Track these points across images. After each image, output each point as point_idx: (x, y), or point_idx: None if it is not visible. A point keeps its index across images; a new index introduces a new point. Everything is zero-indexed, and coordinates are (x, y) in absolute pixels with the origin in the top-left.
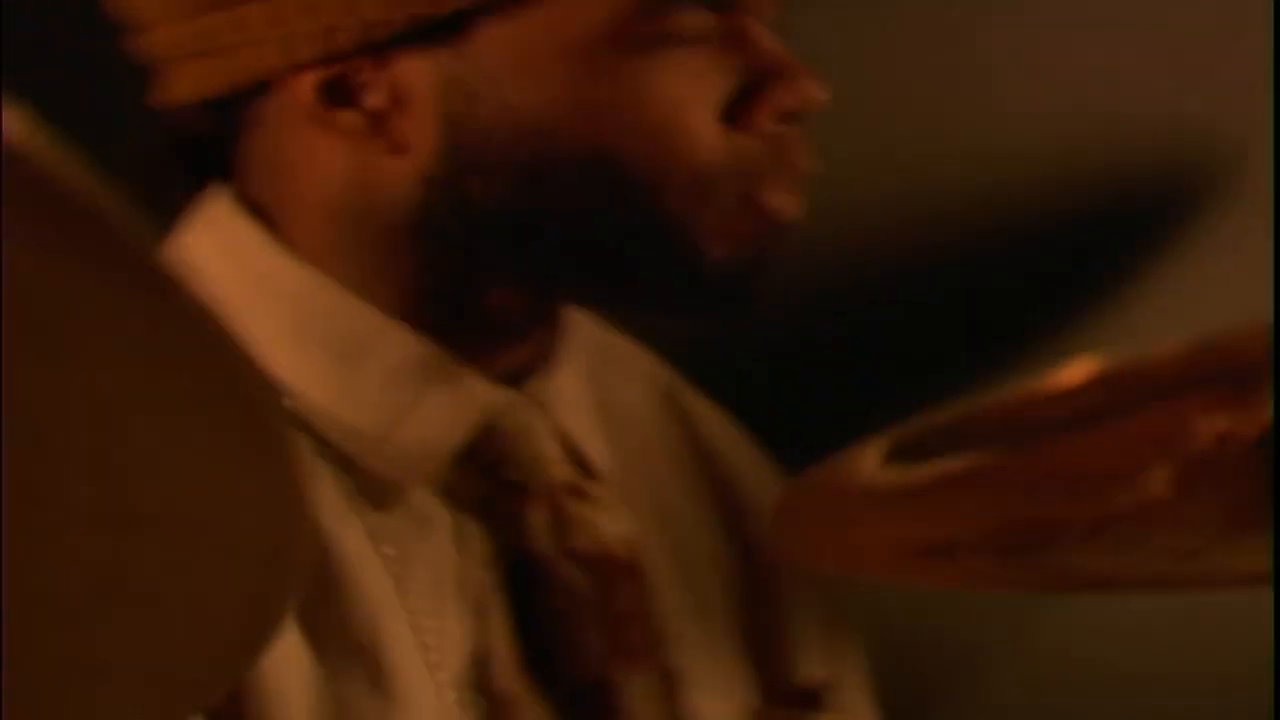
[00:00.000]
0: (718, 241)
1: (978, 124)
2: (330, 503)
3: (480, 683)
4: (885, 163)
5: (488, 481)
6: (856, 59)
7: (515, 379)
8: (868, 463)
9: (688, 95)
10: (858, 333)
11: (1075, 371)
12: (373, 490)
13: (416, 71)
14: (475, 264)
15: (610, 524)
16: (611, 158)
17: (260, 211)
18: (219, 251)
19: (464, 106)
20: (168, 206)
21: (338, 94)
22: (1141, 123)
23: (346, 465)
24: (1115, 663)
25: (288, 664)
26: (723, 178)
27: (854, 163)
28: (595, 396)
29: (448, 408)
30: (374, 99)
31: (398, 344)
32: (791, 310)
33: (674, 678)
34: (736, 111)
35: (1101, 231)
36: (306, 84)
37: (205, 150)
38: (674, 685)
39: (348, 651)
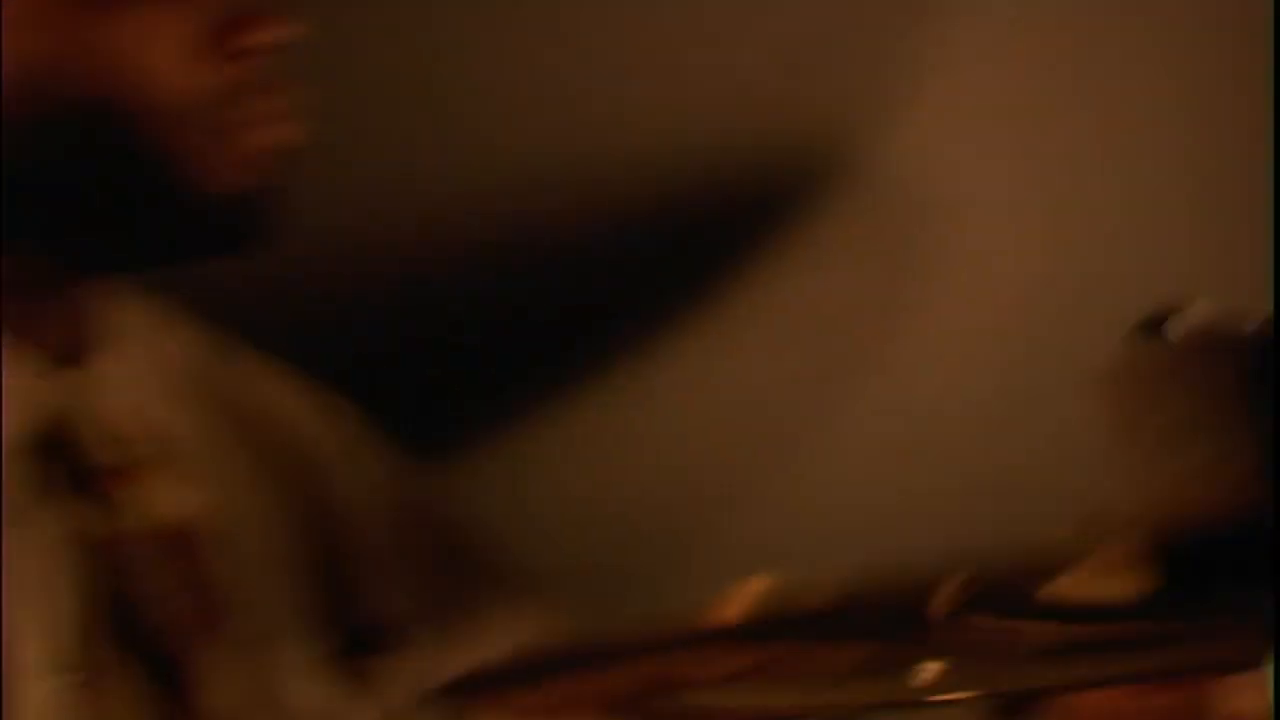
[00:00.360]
0: (208, 175)
1: (589, 122)
2: None
3: (77, 657)
4: (492, 157)
5: (68, 464)
6: (474, 55)
7: (71, 358)
8: None
9: (152, 38)
10: (467, 318)
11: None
12: None
13: None
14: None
15: (177, 496)
16: (88, 105)
17: None
18: None
19: None
20: None
21: None
22: (753, 123)
23: None
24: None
25: None
26: (195, 111)
27: (458, 156)
28: (158, 371)
29: (9, 408)
30: None
31: None
32: (401, 300)
33: (249, 641)
34: (203, 50)
35: (708, 229)
36: None
37: None
38: (250, 647)
39: None
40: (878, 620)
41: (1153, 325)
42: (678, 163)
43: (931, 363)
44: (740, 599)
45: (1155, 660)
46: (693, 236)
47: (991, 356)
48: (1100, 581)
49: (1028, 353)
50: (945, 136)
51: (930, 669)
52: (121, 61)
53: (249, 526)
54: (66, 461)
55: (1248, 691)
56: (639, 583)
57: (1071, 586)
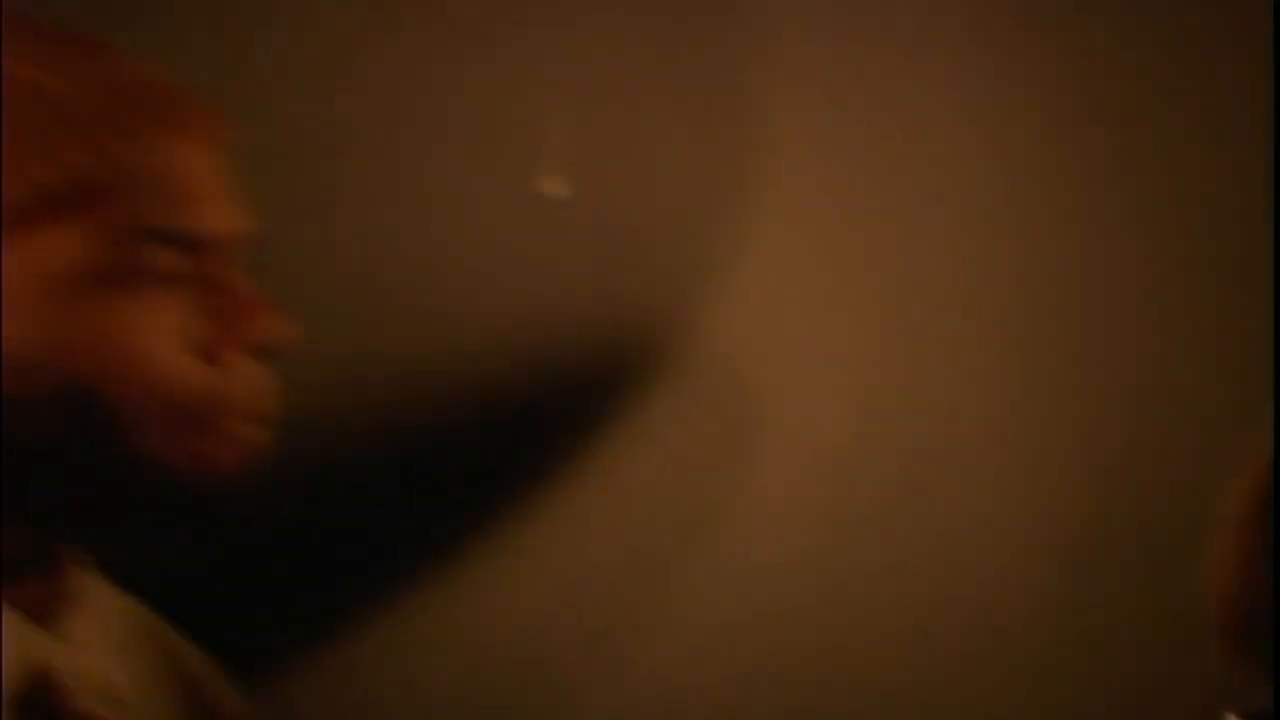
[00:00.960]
0: (192, 469)
1: (415, 321)
2: None
3: None
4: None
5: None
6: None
7: (46, 618)
8: None
9: (158, 330)
10: (295, 533)
11: None
12: None
13: None
14: None
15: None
16: (86, 390)
17: None
18: None
19: None
20: None
21: None
22: (579, 309)
23: None
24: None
25: None
26: (192, 409)
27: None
28: (109, 629)
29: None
30: None
31: None
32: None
33: None
34: (207, 346)
35: (537, 414)
36: None
37: None
38: None
39: None
40: None
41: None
42: (511, 351)
43: (761, 533)
44: None
45: None
46: (530, 420)
47: (817, 526)
48: None
49: (854, 521)
50: (763, 316)
51: None
52: (112, 351)
53: None
54: (48, 715)
55: None
56: None
57: None
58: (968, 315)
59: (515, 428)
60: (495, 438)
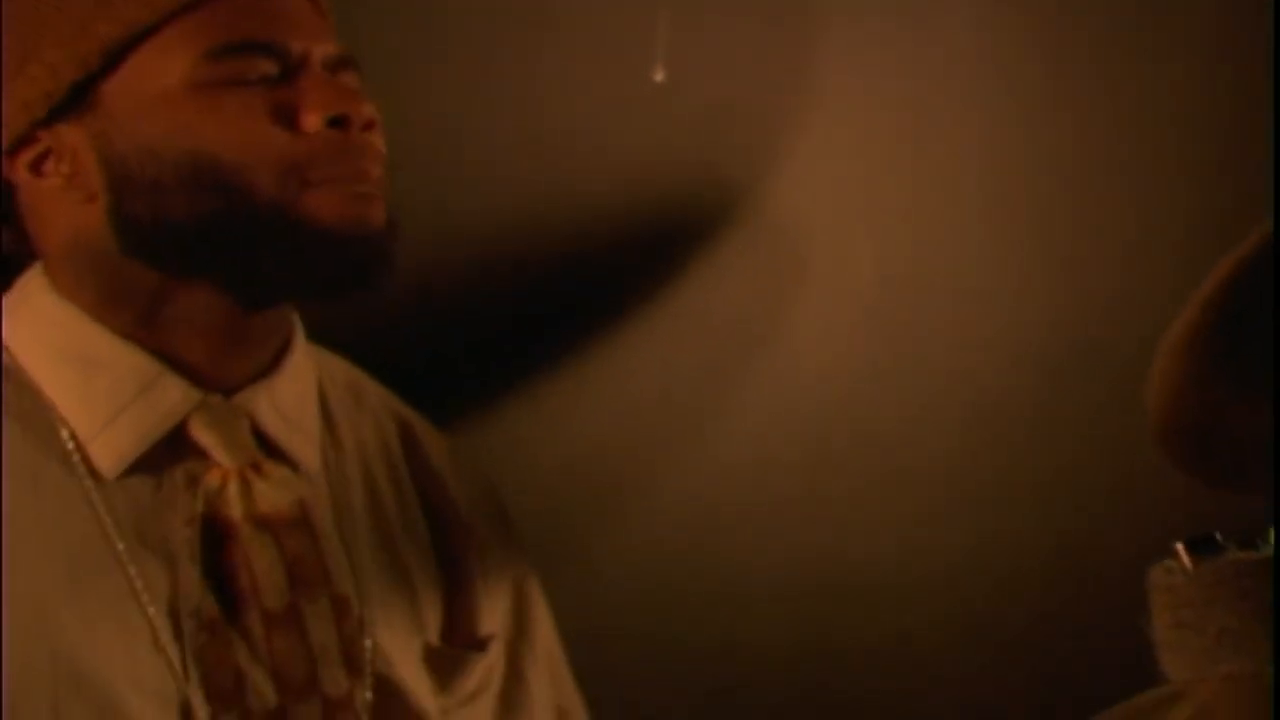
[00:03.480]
0: (315, 221)
1: (540, 182)
2: (56, 477)
3: (184, 611)
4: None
5: (191, 460)
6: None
7: (236, 388)
8: None
9: (253, 112)
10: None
11: None
12: (95, 468)
13: (74, 134)
14: (171, 274)
15: (282, 492)
16: (215, 168)
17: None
18: (20, 299)
19: (111, 151)
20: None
21: (39, 166)
22: (669, 177)
23: (81, 451)
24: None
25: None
26: (291, 169)
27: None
28: (325, 413)
29: (149, 410)
30: (60, 164)
31: (120, 360)
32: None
33: (346, 603)
34: (296, 121)
35: (632, 260)
36: (20, 164)
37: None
38: (346, 610)
39: (65, 584)
40: None
41: (1201, 546)
42: (611, 209)
43: (808, 350)
44: None
45: None
46: (621, 262)
47: (856, 345)
48: None
49: (887, 340)
50: (815, 189)
51: None
52: (221, 132)
53: (384, 529)
54: (191, 456)
55: None
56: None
57: None
58: (975, 195)
59: (613, 271)
60: (599, 276)
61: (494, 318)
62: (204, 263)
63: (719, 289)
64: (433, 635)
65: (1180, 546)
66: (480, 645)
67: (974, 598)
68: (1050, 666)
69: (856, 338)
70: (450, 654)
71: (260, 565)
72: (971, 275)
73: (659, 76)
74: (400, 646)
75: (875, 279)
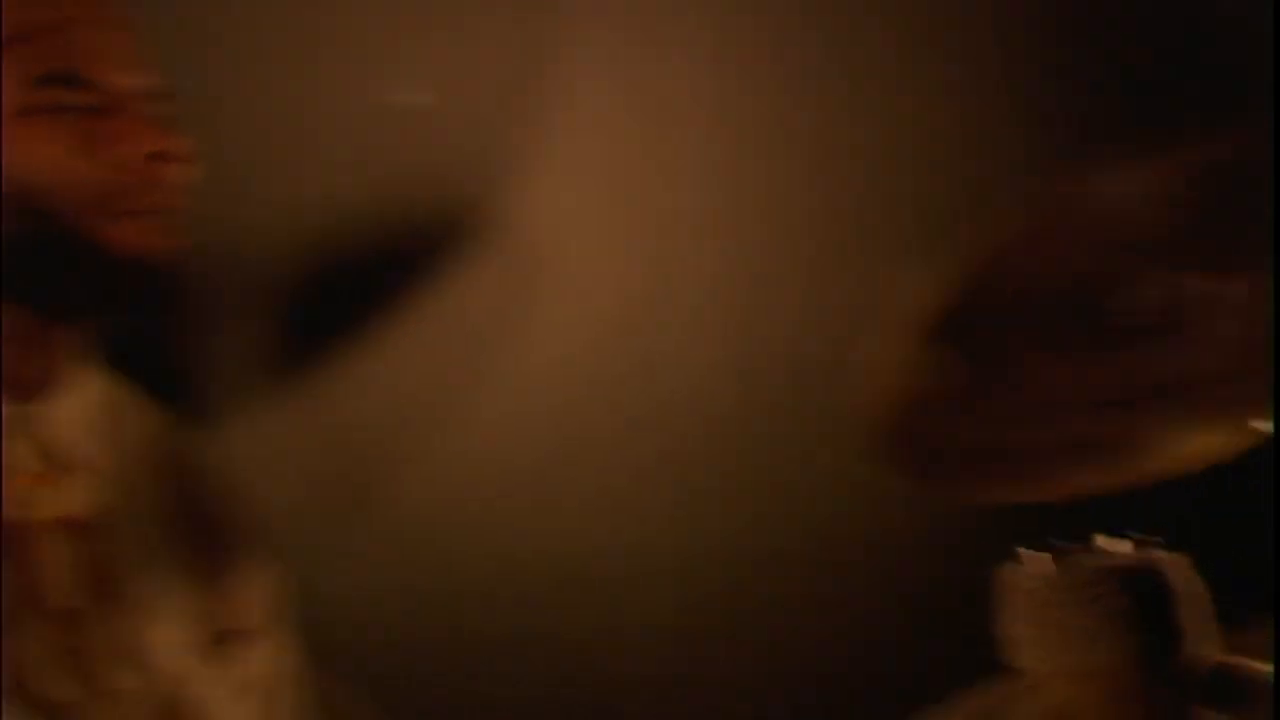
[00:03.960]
0: (120, 250)
1: (307, 175)
2: None
3: None
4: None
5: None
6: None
7: (29, 395)
8: None
9: (65, 143)
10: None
11: None
12: None
13: None
14: None
15: (69, 498)
16: (28, 193)
17: None
18: None
19: None
20: None
21: None
22: (415, 195)
23: None
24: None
25: None
26: (102, 199)
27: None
28: (104, 421)
29: None
30: None
31: None
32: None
33: (130, 604)
34: (103, 154)
35: (383, 270)
36: None
37: None
38: (130, 611)
39: None
40: None
41: (1044, 549)
42: (370, 212)
43: (548, 360)
44: None
45: None
46: (378, 269)
47: (591, 362)
48: None
49: (621, 355)
50: (556, 192)
51: None
52: (35, 159)
53: (150, 529)
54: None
55: None
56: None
57: None
58: (706, 227)
59: (370, 277)
60: (358, 282)
61: (257, 318)
62: (8, 280)
63: (469, 295)
64: (207, 627)
65: (1023, 551)
66: (247, 636)
67: (712, 587)
68: (798, 646)
69: (590, 344)
70: (223, 645)
71: (49, 567)
72: (706, 286)
73: (414, 95)
74: (179, 641)
75: (606, 294)
